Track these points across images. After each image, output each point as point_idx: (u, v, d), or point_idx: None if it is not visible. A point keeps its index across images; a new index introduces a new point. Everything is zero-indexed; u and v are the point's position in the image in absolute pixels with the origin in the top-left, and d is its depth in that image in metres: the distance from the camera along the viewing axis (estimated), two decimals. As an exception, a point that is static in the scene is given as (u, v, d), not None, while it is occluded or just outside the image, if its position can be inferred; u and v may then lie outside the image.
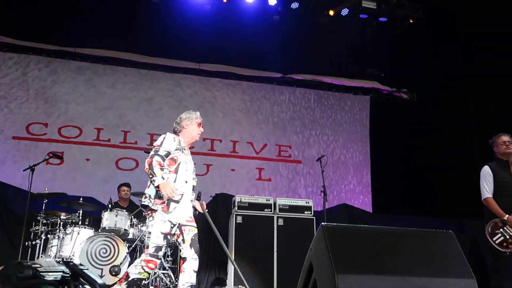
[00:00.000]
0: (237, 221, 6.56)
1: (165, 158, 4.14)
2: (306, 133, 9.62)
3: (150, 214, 4.15)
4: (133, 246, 5.85)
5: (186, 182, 4.18)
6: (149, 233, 4.14)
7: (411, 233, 2.64)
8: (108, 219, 5.88)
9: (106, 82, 8.71)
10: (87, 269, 2.74)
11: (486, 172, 4.84)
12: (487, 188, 4.82)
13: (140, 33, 8.36)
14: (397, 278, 2.37)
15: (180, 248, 4.25)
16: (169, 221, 4.03)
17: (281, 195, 8.50)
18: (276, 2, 8.16)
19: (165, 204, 4.05)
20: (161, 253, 4.07)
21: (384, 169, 9.56)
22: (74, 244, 5.73)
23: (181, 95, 9.04)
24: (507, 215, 4.71)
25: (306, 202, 6.99)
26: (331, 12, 8.33)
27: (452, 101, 9.79)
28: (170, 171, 4.15)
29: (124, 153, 8.48)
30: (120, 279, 4.09)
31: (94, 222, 6.32)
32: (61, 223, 5.94)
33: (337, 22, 8.49)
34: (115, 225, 5.85)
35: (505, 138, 4.99)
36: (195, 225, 4.28)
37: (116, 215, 5.91)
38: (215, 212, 7.58)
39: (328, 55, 9.32)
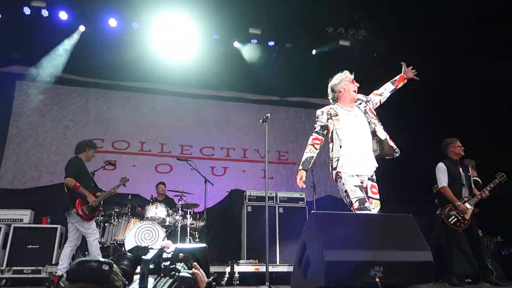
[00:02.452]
0: (248, 210, 6.55)
1: (320, 132, 3.55)
2: (299, 142, 9.57)
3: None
4: (169, 231, 5.85)
5: (341, 147, 3.31)
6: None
7: (381, 217, 2.62)
8: (150, 210, 5.89)
9: (147, 106, 8.74)
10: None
11: (442, 167, 4.81)
12: (443, 179, 4.78)
13: (172, 69, 8.39)
14: (370, 251, 2.35)
15: None
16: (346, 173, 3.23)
17: (281, 190, 8.41)
18: (273, 43, 8.19)
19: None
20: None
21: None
22: (125, 230, 5.75)
23: (203, 115, 9.06)
24: (459, 202, 4.67)
25: (300, 195, 6.97)
26: (314, 51, 8.37)
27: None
28: (329, 142, 3.52)
29: (161, 160, 8.49)
30: None
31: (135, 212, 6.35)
32: (115, 214, 5.96)
33: (322, 57, 8.49)
34: (156, 214, 5.86)
35: (459, 143, 4.98)
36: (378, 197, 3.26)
37: (156, 207, 5.92)
38: (231, 203, 7.60)
39: (315, 81, 9.29)
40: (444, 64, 7.19)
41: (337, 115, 3.49)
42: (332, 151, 3.46)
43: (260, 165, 9.00)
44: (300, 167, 3.44)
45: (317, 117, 3.61)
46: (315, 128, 3.59)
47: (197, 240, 6.19)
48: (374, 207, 3.20)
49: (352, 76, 3.64)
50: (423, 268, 2.37)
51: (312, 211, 2.40)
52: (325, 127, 3.55)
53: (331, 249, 2.17)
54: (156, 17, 7.36)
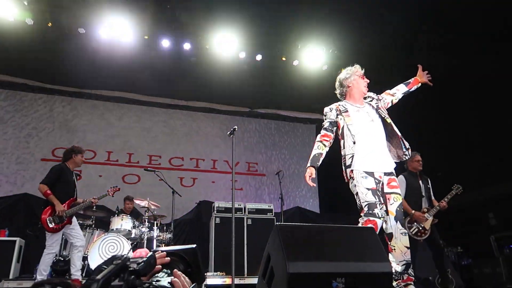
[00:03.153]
0: (216, 222, 6.49)
1: (329, 128, 3.26)
2: (269, 153, 9.68)
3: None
4: (135, 243, 5.73)
5: (354, 143, 3.09)
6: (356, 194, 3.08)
7: (343, 229, 2.68)
8: (116, 222, 5.75)
9: (115, 116, 8.60)
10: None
11: (402, 180, 4.95)
12: (400, 192, 4.94)
13: (141, 77, 8.29)
14: (333, 263, 2.39)
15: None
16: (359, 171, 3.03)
17: (250, 201, 8.48)
18: (244, 55, 8.26)
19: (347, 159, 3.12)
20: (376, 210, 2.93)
21: (327, 178, 9.63)
22: (89, 243, 5.57)
23: (173, 125, 9.00)
24: (413, 211, 4.83)
25: (268, 206, 6.99)
26: (295, 63, 8.44)
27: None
28: (340, 138, 3.27)
29: (129, 171, 8.33)
30: None
31: (105, 224, 6.18)
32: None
33: (292, 70, 8.62)
34: (121, 226, 5.73)
35: (419, 157, 5.14)
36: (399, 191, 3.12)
37: (122, 219, 5.79)
38: (199, 215, 7.52)
39: (284, 94, 9.43)
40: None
41: (347, 111, 3.24)
42: (344, 148, 3.19)
43: (230, 176, 8.95)
44: (308, 164, 3.14)
45: (325, 115, 3.34)
46: (323, 126, 3.30)
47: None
48: (392, 202, 3.05)
49: (363, 71, 3.42)
50: (383, 278, 2.43)
51: (276, 223, 2.44)
52: (334, 123, 3.27)
53: (294, 261, 2.19)
54: (123, 23, 7.27)
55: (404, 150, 3.22)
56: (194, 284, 1.05)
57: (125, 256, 0.96)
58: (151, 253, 1.03)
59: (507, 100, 7.16)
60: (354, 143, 3.08)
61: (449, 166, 7.71)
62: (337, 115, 3.26)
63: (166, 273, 1.03)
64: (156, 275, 1.02)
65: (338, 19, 7.33)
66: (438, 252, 4.99)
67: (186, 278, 1.04)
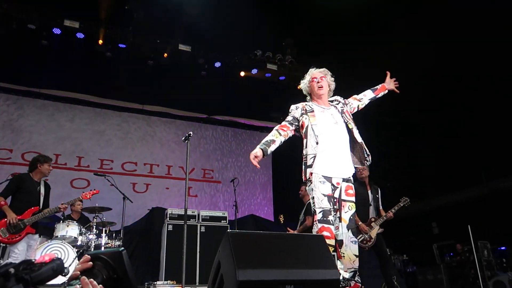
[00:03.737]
0: (168, 229, 6.34)
1: (290, 121, 3.21)
2: (225, 160, 9.64)
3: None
4: (81, 251, 5.46)
5: (317, 143, 3.06)
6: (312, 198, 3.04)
7: (294, 236, 2.71)
8: (60, 229, 5.45)
9: (66, 117, 8.20)
10: None
11: None
12: None
13: (95, 79, 8.02)
14: (283, 270, 2.41)
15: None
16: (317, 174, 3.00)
17: (205, 208, 8.38)
18: (203, 60, 8.23)
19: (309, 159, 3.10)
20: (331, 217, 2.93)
21: (282, 187, 9.75)
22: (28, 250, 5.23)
23: (127, 129, 8.73)
24: (360, 222, 4.98)
25: (223, 214, 6.94)
26: (242, 73, 8.56)
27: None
28: (303, 138, 3.22)
29: (78, 175, 7.95)
30: None
31: (50, 231, 5.84)
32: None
33: (249, 78, 8.70)
34: (66, 233, 5.43)
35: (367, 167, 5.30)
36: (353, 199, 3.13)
37: (68, 225, 5.49)
38: (152, 221, 7.32)
39: (242, 102, 9.48)
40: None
41: (312, 111, 3.23)
42: (306, 147, 3.15)
43: (184, 183, 8.86)
44: (258, 146, 3.11)
45: (290, 111, 3.32)
46: (285, 119, 3.29)
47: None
48: (347, 210, 3.06)
49: (316, 72, 3.40)
50: (331, 285, 2.48)
51: (228, 231, 2.43)
52: (296, 119, 3.25)
53: (244, 269, 2.19)
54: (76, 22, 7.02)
55: (366, 155, 3.25)
56: None
57: (7, 262, 0.87)
58: (56, 258, 0.94)
59: (455, 116, 7.66)
60: (317, 143, 3.07)
61: (398, 178, 8.08)
62: (302, 114, 3.25)
63: (77, 283, 0.94)
64: (72, 281, 0.93)
65: (296, 32, 7.53)
66: (384, 260, 5.18)
67: (98, 286, 0.94)
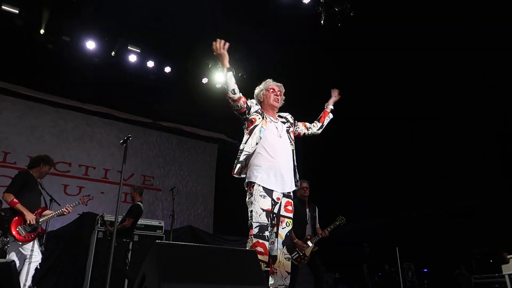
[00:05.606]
0: (98, 236, 5.99)
1: (249, 104, 3.12)
2: (167, 168, 9.37)
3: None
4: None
5: (257, 144, 3.04)
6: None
7: (225, 250, 2.64)
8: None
9: (-7, 108, 7.53)
10: None
11: None
12: None
13: (32, 70, 7.46)
14: (210, 285, 2.33)
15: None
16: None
17: (142, 216, 8.02)
18: (153, 64, 8.00)
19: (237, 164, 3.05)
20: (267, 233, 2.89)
21: (225, 199, 9.63)
22: None
23: (63, 126, 8.20)
24: (296, 239, 5.02)
25: (159, 223, 6.70)
26: (204, 80, 8.39)
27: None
28: (246, 133, 3.12)
29: (2, 172, 7.30)
30: None
31: None
32: None
33: (200, 87, 8.58)
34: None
35: (306, 184, 5.36)
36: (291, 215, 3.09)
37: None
38: (81, 227, 6.87)
39: (190, 110, 9.32)
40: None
41: (265, 117, 3.20)
42: (245, 143, 3.09)
43: (122, 188, 8.46)
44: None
45: (250, 101, 3.22)
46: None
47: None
48: (284, 226, 3.03)
49: (277, 84, 3.38)
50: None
51: (156, 241, 2.30)
52: (250, 109, 3.17)
53: (169, 282, 2.08)
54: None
55: (296, 180, 3.23)
56: None
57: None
58: None
59: (393, 140, 8.08)
60: (256, 144, 3.05)
61: (334, 197, 8.32)
62: (258, 111, 3.18)
63: None
64: None
65: (248, 47, 7.57)
66: (318, 277, 5.24)
67: None
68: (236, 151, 3.24)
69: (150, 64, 7.96)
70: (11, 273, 0.91)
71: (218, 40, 3.02)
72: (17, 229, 4.39)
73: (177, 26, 6.98)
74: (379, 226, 8.53)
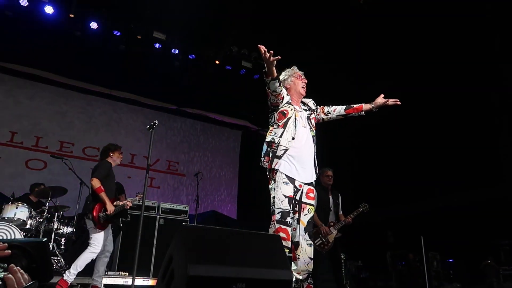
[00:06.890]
0: (127, 219, 6.17)
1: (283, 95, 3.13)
2: (191, 154, 9.50)
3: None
4: (29, 235, 5.20)
5: (293, 138, 3.05)
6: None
7: (249, 234, 2.68)
8: (8, 210, 5.16)
9: (25, 94, 7.78)
10: None
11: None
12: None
13: (61, 57, 7.65)
14: (235, 267, 2.37)
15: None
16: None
17: (167, 201, 8.18)
18: (177, 51, 8.05)
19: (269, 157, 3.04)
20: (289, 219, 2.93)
21: (248, 186, 9.68)
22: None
23: (91, 112, 8.42)
24: (322, 224, 5.03)
25: (184, 207, 6.81)
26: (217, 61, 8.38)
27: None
28: (278, 125, 3.11)
29: (34, 155, 7.58)
30: None
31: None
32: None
33: (223, 73, 8.59)
34: (14, 215, 5.15)
35: (330, 173, 5.36)
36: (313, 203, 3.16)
37: (17, 207, 5.20)
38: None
39: (214, 96, 9.35)
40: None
41: (294, 108, 3.20)
42: (280, 136, 3.07)
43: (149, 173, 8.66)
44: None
45: (281, 91, 3.16)
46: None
47: (62, 248, 5.62)
48: (306, 213, 3.07)
49: (301, 72, 3.36)
50: (283, 285, 2.47)
51: (183, 223, 2.36)
52: (283, 99, 3.16)
53: (195, 264, 2.13)
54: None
55: (316, 167, 3.25)
56: (32, 282, 0.94)
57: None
58: None
59: (417, 124, 7.89)
60: (293, 138, 3.05)
61: (358, 185, 8.24)
62: (288, 102, 3.18)
63: (2, 267, 0.92)
64: None
65: (274, 29, 7.48)
66: (337, 264, 5.25)
67: (25, 274, 0.93)
68: (261, 138, 3.25)
69: (175, 51, 8.02)
70: (46, 251, 0.99)
71: (264, 48, 2.86)
72: (98, 216, 4.55)
73: (201, 14, 6.98)
74: (403, 214, 8.41)
